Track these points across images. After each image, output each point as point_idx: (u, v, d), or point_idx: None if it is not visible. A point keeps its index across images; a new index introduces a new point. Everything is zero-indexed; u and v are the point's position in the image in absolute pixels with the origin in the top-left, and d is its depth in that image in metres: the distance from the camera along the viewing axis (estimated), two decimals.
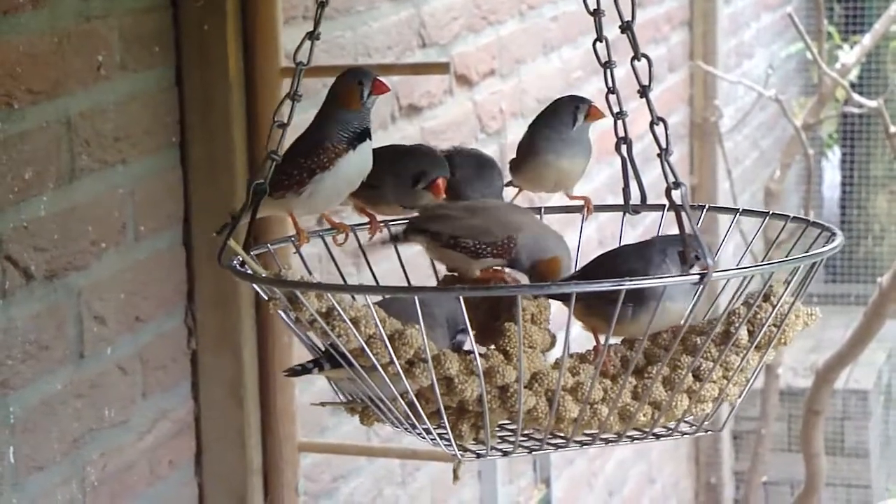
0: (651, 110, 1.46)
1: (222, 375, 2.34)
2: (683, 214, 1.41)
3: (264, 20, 2.29)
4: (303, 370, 1.50)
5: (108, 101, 2.10)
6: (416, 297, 1.38)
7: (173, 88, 2.26)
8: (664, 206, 1.64)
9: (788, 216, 1.64)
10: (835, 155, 8.51)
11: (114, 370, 2.14)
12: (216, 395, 2.34)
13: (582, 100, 1.68)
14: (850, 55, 5.46)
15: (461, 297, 1.40)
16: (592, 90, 4.17)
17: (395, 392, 1.44)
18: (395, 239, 1.56)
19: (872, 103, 4.77)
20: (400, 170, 1.64)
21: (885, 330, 4.75)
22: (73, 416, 2.05)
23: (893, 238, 8.08)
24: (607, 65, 1.57)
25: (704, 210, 1.69)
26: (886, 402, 6.76)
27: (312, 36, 1.57)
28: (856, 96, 5.02)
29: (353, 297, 1.46)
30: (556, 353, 1.52)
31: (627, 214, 1.70)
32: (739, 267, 1.48)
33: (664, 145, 1.44)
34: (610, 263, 1.54)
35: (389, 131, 2.96)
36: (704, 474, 5.96)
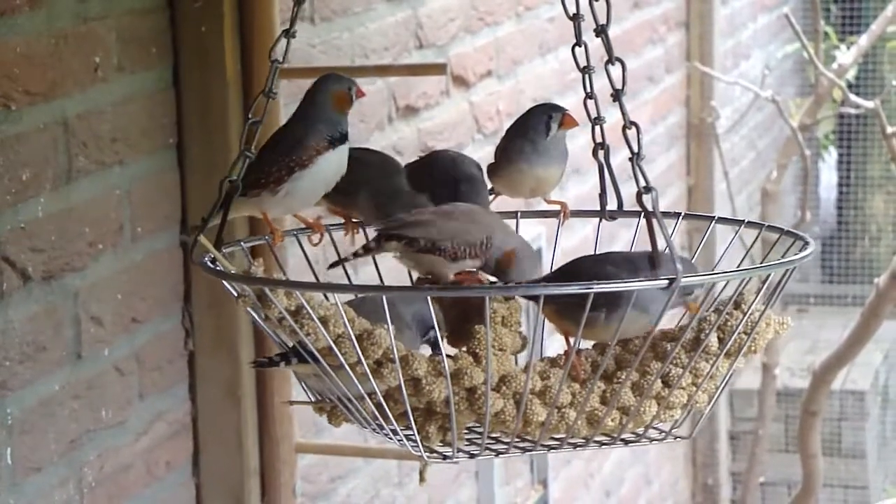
0: (624, 114, 1.46)
1: (219, 376, 2.34)
2: (654, 220, 1.41)
3: (261, 22, 2.29)
4: (269, 363, 1.50)
5: (105, 102, 2.10)
6: (384, 297, 1.38)
7: (170, 90, 2.26)
8: (640, 212, 1.65)
9: (763, 224, 1.64)
10: (831, 156, 8.51)
11: (111, 371, 2.14)
12: (213, 396, 2.34)
13: (555, 108, 1.68)
14: (846, 56, 5.46)
15: (429, 297, 1.40)
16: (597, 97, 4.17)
17: (363, 391, 1.44)
18: (367, 249, 1.55)
19: (869, 104, 4.77)
20: (375, 187, 1.65)
21: (882, 331, 4.75)
22: (71, 417, 2.05)
23: (890, 239, 8.09)
24: (585, 70, 1.57)
25: (680, 218, 1.69)
26: (883, 403, 6.77)
27: (288, 34, 1.57)
28: (852, 97, 5.02)
29: (325, 296, 1.46)
30: (527, 354, 1.52)
31: (604, 220, 1.70)
32: (708, 273, 1.47)
33: (636, 149, 1.44)
34: (585, 267, 1.54)
35: (386, 132, 2.96)
36: (701, 475, 5.96)
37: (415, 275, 1.62)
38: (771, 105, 5.58)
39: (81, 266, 2.06)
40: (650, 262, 1.45)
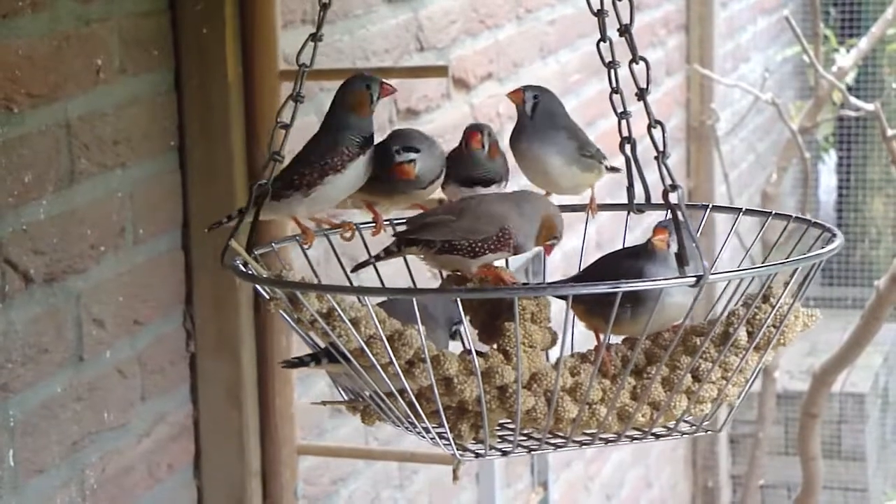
0: (649, 113, 1.47)
1: (221, 378, 2.34)
2: (680, 216, 1.42)
3: (263, 24, 2.29)
4: (300, 363, 1.51)
5: (107, 104, 2.10)
6: (414, 300, 1.39)
7: (172, 92, 2.26)
8: (667, 205, 1.64)
9: (790, 216, 1.64)
10: (831, 158, 8.51)
11: (113, 373, 2.14)
12: (215, 398, 2.34)
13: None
14: (846, 58, 5.46)
15: (458, 299, 1.41)
16: (591, 93, 4.17)
17: (394, 390, 1.44)
18: (388, 253, 1.56)
19: (869, 106, 4.77)
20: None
21: (882, 333, 4.76)
22: (73, 420, 2.05)
23: (890, 241, 8.08)
24: (611, 65, 1.58)
25: (708, 210, 1.70)
26: (883, 406, 6.77)
27: (315, 38, 1.57)
28: (852, 99, 5.02)
29: (359, 299, 1.47)
30: (558, 351, 1.52)
31: (631, 213, 1.71)
32: (738, 269, 1.48)
33: (661, 148, 1.45)
34: (609, 265, 1.54)
35: (387, 134, 2.96)
36: (702, 478, 5.96)
37: (445, 272, 1.63)
38: (771, 108, 5.58)
39: (83, 268, 2.06)
40: (677, 259, 1.46)
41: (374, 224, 1.69)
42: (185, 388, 2.33)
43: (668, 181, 1.43)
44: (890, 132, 4.52)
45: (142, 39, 2.18)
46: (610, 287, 1.38)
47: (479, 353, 1.46)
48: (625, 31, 1.49)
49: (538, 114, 1.69)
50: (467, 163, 1.68)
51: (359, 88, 1.61)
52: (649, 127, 1.46)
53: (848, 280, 7.63)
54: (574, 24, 3.99)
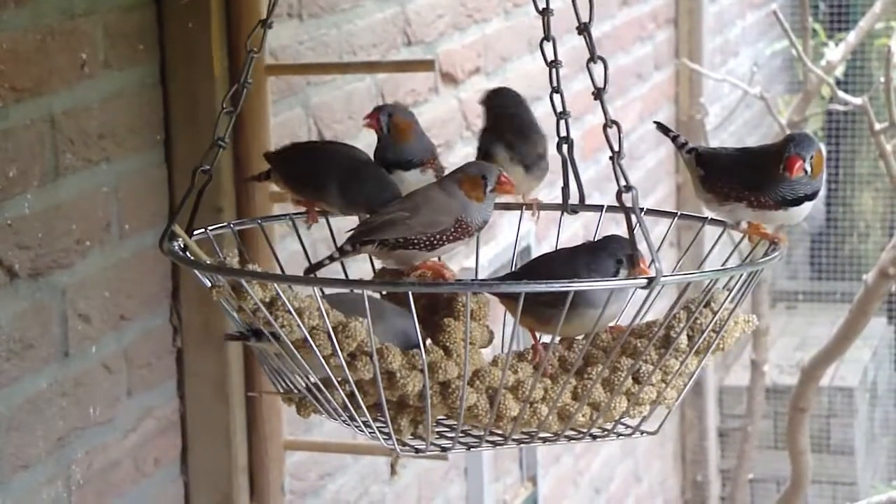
0: (605, 113, 1.47)
1: (207, 373, 2.33)
2: (634, 218, 1.42)
3: (248, 18, 2.28)
4: (240, 336, 1.49)
5: (92, 98, 2.09)
6: (364, 292, 1.39)
7: (158, 86, 2.25)
8: (602, 206, 1.68)
9: (705, 218, 1.67)
10: None
11: (99, 369, 2.14)
12: (201, 393, 2.34)
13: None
14: (835, 52, 5.46)
15: (410, 293, 1.41)
16: (579, 87, 4.17)
17: (335, 380, 1.44)
18: (343, 253, 1.54)
19: (857, 101, 4.77)
20: (348, 189, 1.65)
21: (871, 327, 4.77)
22: (59, 415, 2.05)
23: (878, 235, 8.09)
24: (553, 64, 1.59)
25: (675, 218, 1.73)
26: (872, 400, 6.77)
27: (265, 24, 1.58)
28: (841, 94, 5.02)
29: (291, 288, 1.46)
30: (490, 350, 1.53)
31: (565, 214, 1.71)
32: (688, 272, 1.49)
33: (616, 148, 1.45)
34: (546, 265, 1.55)
35: None
36: (691, 472, 5.97)
37: (378, 264, 1.63)
38: (760, 102, 5.58)
39: (69, 263, 2.06)
40: (627, 260, 1.47)
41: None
42: (171, 383, 2.33)
43: (623, 182, 1.43)
44: (878, 126, 4.52)
45: (127, 33, 2.18)
46: (563, 286, 1.39)
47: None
48: (584, 29, 1.50)
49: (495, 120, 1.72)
50: (384, 144, 1.71)
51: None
52: (605, 127, 1.46)
53: (836, 274, 7.64)
54: (562, 18, 3.98)
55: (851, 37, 5.41)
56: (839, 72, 6.04)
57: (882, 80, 4.42)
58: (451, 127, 3.38)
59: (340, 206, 1.67)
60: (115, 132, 2.15)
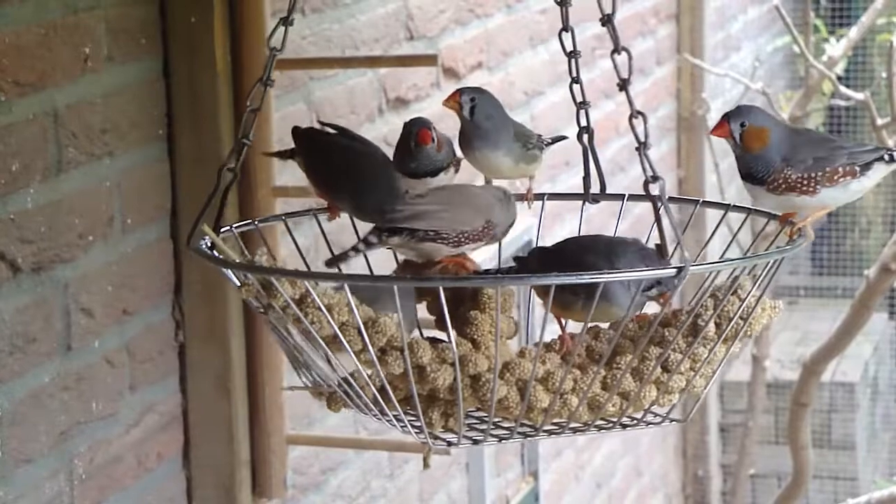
0: (630, 103, 1.47)
1: (210, 368, 2.33)
2: (662, 208, 1.42)
3: (251, 12, 2.28)
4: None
5: (95, 93, 2.09)
6: (395, 287, 1.39)
7: (160, 80, 2.25)
8: (623, 196, 1.69)
9: (750, 209, 1.67)
10: None
11: (101, 363, 2.14)
12: (204, 387, 2.34)
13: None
14: (836, 48, 5.46)
15: (441, 287, 1.41)
16: (582, 81, 4.16)
17: (365, 375, 1.44)
18: (368, 245, 1.51)
19: (859, 96, 4.77)
20: (360, 198, 1.65)
21: (872, 323, 4.77)
22: (61, 409, 2.05)
23: (880, 231, 8.09)
24: (571, 54, 1.59)
25: (697, 205, 1.71)
26: (873, 395, 6.78)
27: (286, 22, 1.57)
28: (843, 89, 5.02)
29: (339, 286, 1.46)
30: (516, 341, 1.54)
31: (587, 203, 1.72)
32: (715, 262, 1.49)
33: (642, 139, 1.45)
34: (574, 252, 1.55)
35: (377, 124, 2.95)
36: (692, 467, 5.97)
37: (400, 257, 1.63)
38: (761, 97, 5.57)
39: (71, 257, 2.06)
40: (658, 250, 1.47)
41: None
42: (174, 378, 2.33)
43: (650, 172, 1.43)
44: (880, 122, 4.51)
45: (130, 28, 2.18)
46: (593, 277, 1.39)
47: (437, 341, 1.46)
48: (607, 21, 1.49)
49: (477, 116, 1.70)
50: (417, 157, 1.69)
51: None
52: (631, 117, 1.46)
53: (838, 269, 7.63)
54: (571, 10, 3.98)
55: (853, 32, 5.41)
56: (840, 67, 6.04)
57: (884, 75, 4.42)
58: (452, 122, 3.37)
59: (352, 212, 1.67)
60: (117, 126, 2.15)
